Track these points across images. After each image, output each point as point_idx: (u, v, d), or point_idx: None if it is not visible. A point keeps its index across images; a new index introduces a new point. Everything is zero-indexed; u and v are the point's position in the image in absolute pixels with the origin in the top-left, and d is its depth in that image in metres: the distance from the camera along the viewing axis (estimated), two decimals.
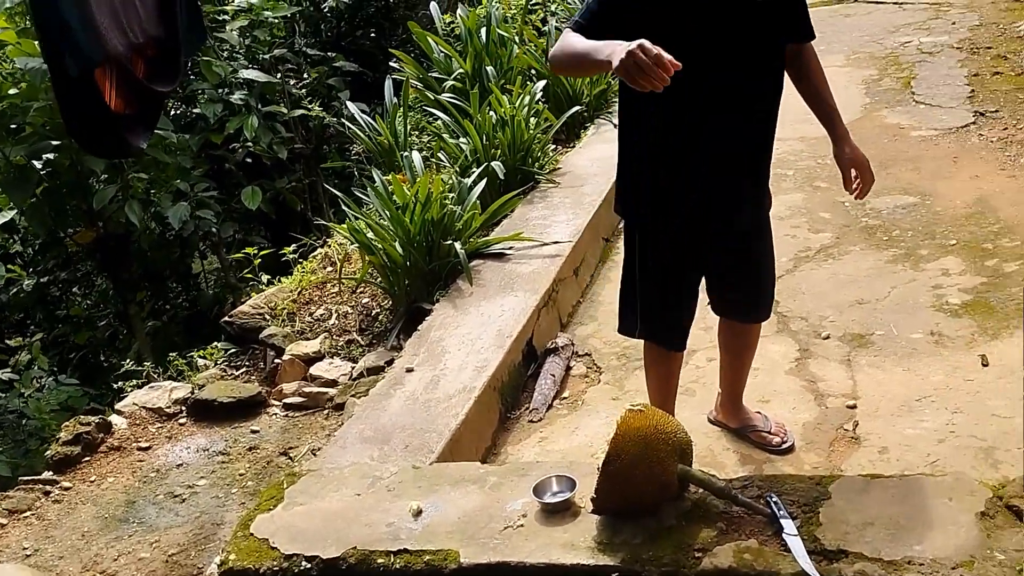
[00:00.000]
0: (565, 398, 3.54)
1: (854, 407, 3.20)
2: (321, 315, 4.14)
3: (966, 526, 2.06)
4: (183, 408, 3.56)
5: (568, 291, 4.16)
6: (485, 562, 2.18)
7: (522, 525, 2.27)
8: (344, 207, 4.22)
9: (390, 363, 3.57)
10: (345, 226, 4.09)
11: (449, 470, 2.59)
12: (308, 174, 7.30)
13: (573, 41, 2.31)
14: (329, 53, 7.66)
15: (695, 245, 2.66)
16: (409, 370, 3.37)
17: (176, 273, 6.81)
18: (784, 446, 3.03)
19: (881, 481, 2.27)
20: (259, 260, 4.56)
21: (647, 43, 1.99)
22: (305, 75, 7.20)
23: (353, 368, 3.69)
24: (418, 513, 2.36)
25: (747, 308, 2.90)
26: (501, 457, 3.21)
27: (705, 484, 2.24)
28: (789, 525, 2.12)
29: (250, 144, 6.28)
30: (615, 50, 2.06)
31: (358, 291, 4.26)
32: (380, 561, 2.24)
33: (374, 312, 4.11)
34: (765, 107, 2.52)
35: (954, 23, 7.93)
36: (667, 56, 1.97)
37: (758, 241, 2.75)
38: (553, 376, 3.57)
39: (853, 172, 2.62)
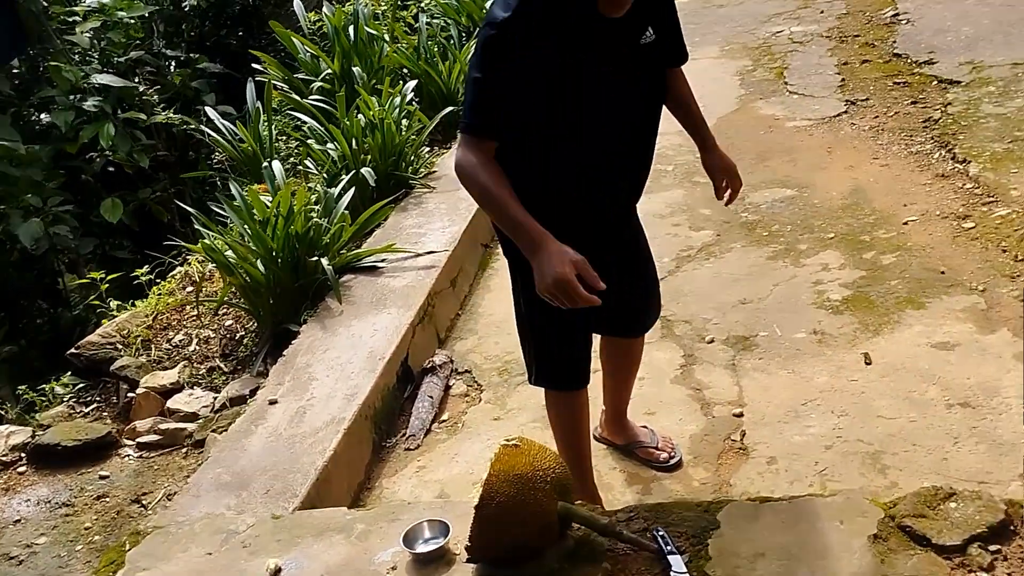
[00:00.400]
0: (444, 421, 3.34)
1: (741, 415, 3.11)
2: (180, 341, 3.84)
3: (859, 551, 1.96)
4: (22, 455, 3.23)
5: (445, 304, 3.96)
6: None
7: None
8: (198, 225, 3.90)
9: (255, 392, 3.31)
10: (200, 245, 3.77)
11: (312, 518, 2.36)
12: (174, 183, 6.90)
13: (484, 181, 2.09)
14: (192, 55, 7.26)
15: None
16: (272, 402, 3.12)
17: (35, 293, 6.33)
18: (672, 462, 2.92)
19: (771, 505, 2.16)
20: (106, 286, 4.20)
21: (572, 278, 1.93)
22: (168, 78, 6.80)
23: (215, 399, 3.42)
24: (276, 572, 2.13)
25: (635, 319, 2.74)
26: (376, 492, 2.99)
27: (588, 522, 2.08)
28: (677, 562, 1.99)
29: (108, 153, 5.89)
30: (537, 255, 2.01)
31: (221, 313, 3.97)
32: None
33: (238, 335, 3.83)
34: (649, 134, 2.42)
35: (822, 12, 8.01)
36: (594, 278, 1.95)
37: (637, 257, 2.62)
38: (431, 398, 3.37)
39: (723, 180, 2.53)
